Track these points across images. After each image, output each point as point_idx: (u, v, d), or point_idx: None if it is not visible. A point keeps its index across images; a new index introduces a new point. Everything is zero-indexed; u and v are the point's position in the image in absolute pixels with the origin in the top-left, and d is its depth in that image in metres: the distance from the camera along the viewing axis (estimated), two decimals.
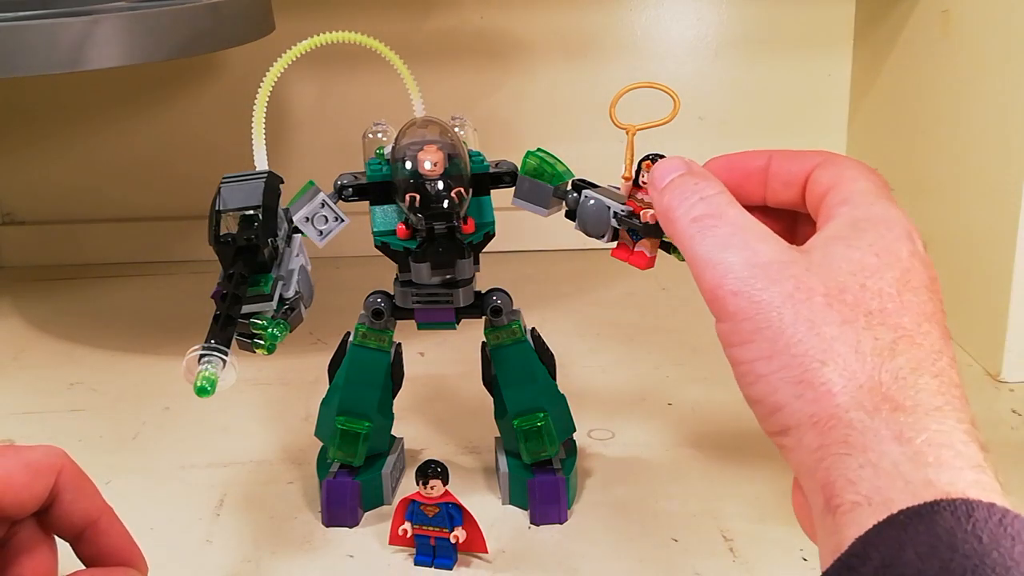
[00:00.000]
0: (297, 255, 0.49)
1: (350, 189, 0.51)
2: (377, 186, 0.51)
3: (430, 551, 0.51)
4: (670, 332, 0.80)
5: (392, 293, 0.54)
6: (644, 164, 0.43)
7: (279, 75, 0.49)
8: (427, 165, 0.47)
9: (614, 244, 0.48)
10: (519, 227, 0.94)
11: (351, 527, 0.55)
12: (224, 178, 0.47)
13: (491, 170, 0.51)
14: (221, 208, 0.45)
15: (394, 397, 0.58)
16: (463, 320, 0.54)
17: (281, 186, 0.48)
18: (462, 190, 0.48)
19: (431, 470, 0.49)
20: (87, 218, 1.04)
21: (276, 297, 0.46)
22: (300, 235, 0.50)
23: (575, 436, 0.58)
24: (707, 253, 0.35)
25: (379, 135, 0.53)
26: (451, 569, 0.51)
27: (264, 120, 0.49)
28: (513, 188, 0.51)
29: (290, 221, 0.49)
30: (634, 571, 0.51)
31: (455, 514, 0.50)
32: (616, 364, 0.76)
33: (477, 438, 0.64)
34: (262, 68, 0.49)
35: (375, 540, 0.54)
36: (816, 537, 0.32)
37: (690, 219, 0.36)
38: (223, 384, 0.40)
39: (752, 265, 0.33)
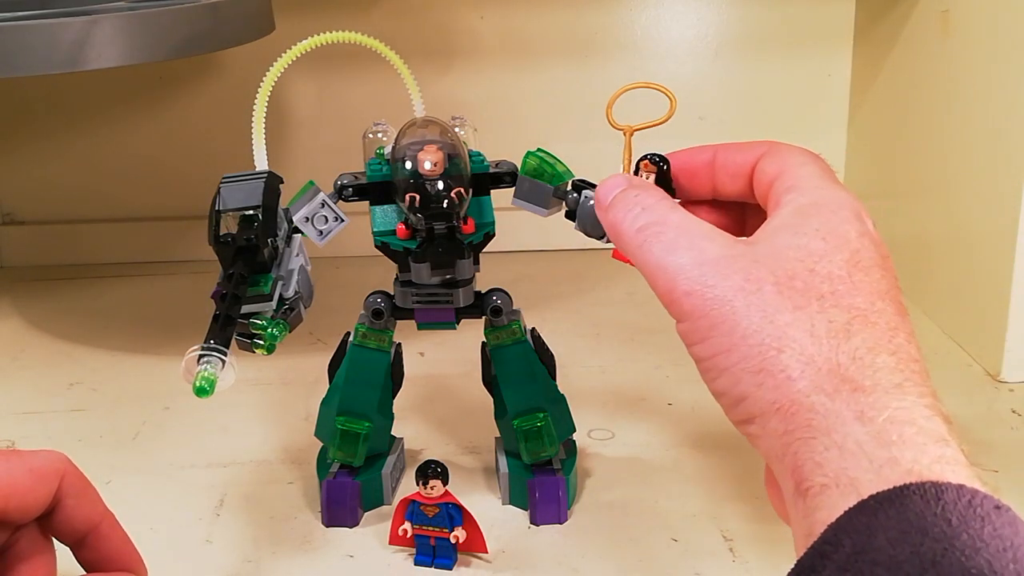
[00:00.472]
0: (297, 255, 0.49)
1: (350, 189, 0.51)
2: (377, 186, 0.51)
3: (430, 551, 0.51)
4: (670, 332, 0.80)
5: (392, 293, 0.54)
6: (643, 164, 0.43)
7: (279, 75, 0.49)
8: (427, 165, 0.47)
9: (613, 244, 0.48)
10: (519, 227, 0.94)
11: (351, 527, 0.55)
12: (224, 178, 0.47)
13: (491, 170, 0.51)
14: (221, 208, 0.45)
15: (394, 397, 0.58)
16: (463, 320, 0.54)
17: (281, 186, 0.48)
18: (462, 190, 0.48)
19: (431, 470, 0.49)
20: (87, 218, 1.04)
21: (276, 297, 0.46)
22: (300, 235, 0.50)
23: (575, 436, 0.58)
24: (656, 259, 0.36)
25: (379, 135, 0.53)
26: (451, 569, 0.51)
27: (264, 120, 0.49)
28: (513, 188, 0.51)
29: (290, 221, 0.49)
30: (634, 571, 0.51)
31: (455, 514, 0.50)
32: (616, 364, 0.76)
33: (477, 438, 0.64)
34: (262, 68, 0.49)
35: (375, 540, 0.54)
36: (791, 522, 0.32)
37: (635, 230, 0.37)
38: (222, 384, 0.40)
39: (701, 264, 0.34)
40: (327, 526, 0.55)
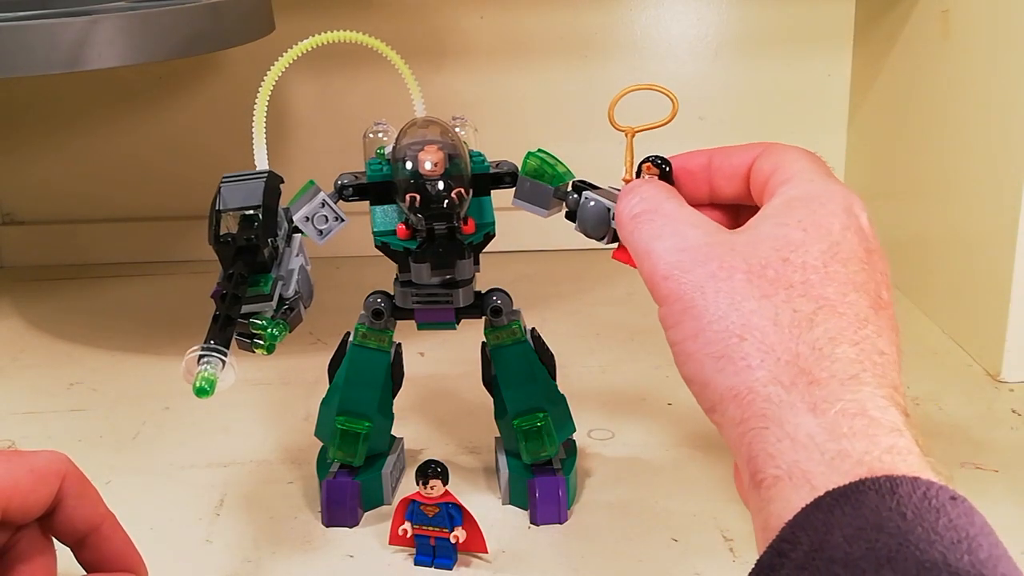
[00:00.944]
0: (297, 255, 0.49)
1: (350, 189, 0.51)
2: (377, 186, 0.51)
3: (430, 551, 0.51)
4: None
5: (392, 293, 0.54)
6: (645, 166, 0.43)
7: (279, 75, 0.49)
8: (427, 165, 0.47)
9: (614, 245, 0.48)
10: (519, 227, 0.94)
11: (351, 527, 0.55)
12: (224, 178, 0.47)
13: (491, 170, 0.51)
14: (221, 208, 0.45)
15: (394, 397, 0.58)
16: (463, 320, 0.54)
17: (281, 186, 0.48)
18: (462, 190, 0.48)
19: (431, 470, 0.49)
20: (87, 218, 1.04)
21: (276, 297, 0.46)
22: (300, 235, 0.50)
23: (575, 436, 0.59)
24: (643, 244, 0.37)
25: (379, 135, 0.53)
26: (451, 569, 0.51)
27: (264, 120, 0.49)
28: (513, 189, 0.51)
29: (290, 221, 0.49)
30: (634, 571, 0.51)
31: (455, 514, 0.50)
32: (616, 364, 0.76)
33: (477, 438, 0.64)
34: (262, 68, 0.49)
35: (375, 540, 0.54)
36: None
37: (630, 217, 0.38)
38: (222, 384, 0.40)
39: (681, 250, 0.35)
40: (327, 526, 0.55)
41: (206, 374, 0.40)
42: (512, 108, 0.99)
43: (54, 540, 0.43)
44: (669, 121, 0.43)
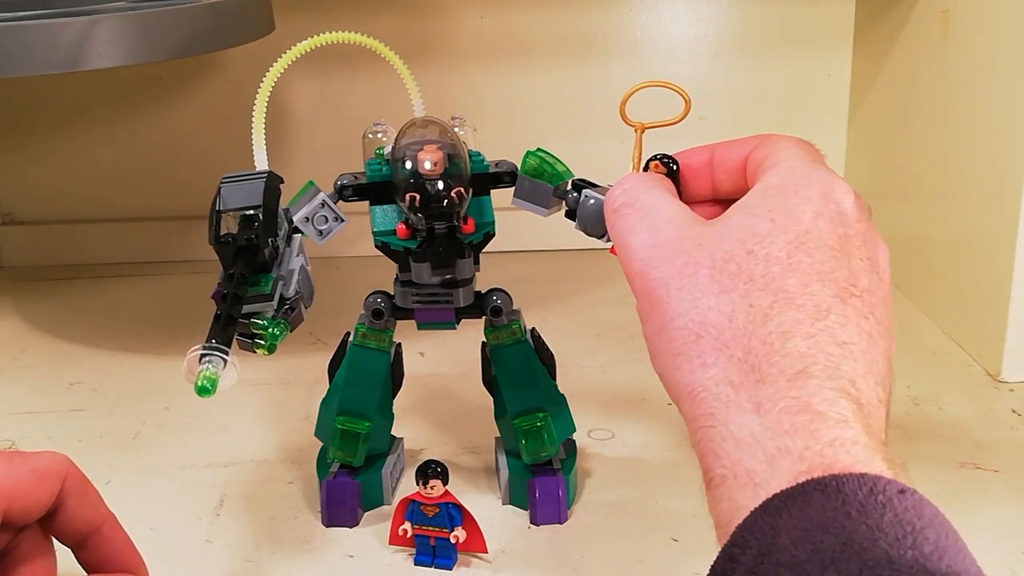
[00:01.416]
0: (297, 255, 0.49)
1: (350, 189, 0.51)
2: (377, 186, 0.51)
3: (430, 551, 0.51)
4: None
5: (392, 293, 0.54)
6: (652, 164, 0.43)
7: (279, 75, 0.49)
8: (427, 165, 0.47)
9: None
10: (519, 227, 0.94)
11: (351, 527, 0.55)
12: (224, 178, 0.47)
13: (491, 170, 0.51)
14: (221, 208, 0.45)
15: (394, 397, 0.58)
16: (463, 320, 0.54)
17: (281, 186, 0.48)
18: (462, 190, 0.48)
19: (431, 470, 0.49)
20: (87, 218, 1.04)
21: (276, 297, 0.46)
22: (300, 235, 0.50)
23: (575, 436, 0.59)
24: (620, 238, 0.37)
25: (379, 135, 0.53)
26: (451, 569, 0.51)
27: (264, 120, 0.49)
28: (513, 188, 0.51)
29: (290, 221, 0.49)
30: (634, 571, 0.51)
31: (455, 514, 0.50)
32: (616, 364, 0.76)
33: (477, 438, 0.64)
34: (262, 68, 0.49)
35: (375, 540, 0.54)
36: None
37: (612, 210, 0.38)
38: (224, 384, 0.40)
39: (653, 246, 0.35)
40: (327, 526, 0.55)
41: (208, 373, 0.40)
42: (512, 108, 0.99)
43: (54, 541, 0.43)
44: (681, 119, 0.43)
